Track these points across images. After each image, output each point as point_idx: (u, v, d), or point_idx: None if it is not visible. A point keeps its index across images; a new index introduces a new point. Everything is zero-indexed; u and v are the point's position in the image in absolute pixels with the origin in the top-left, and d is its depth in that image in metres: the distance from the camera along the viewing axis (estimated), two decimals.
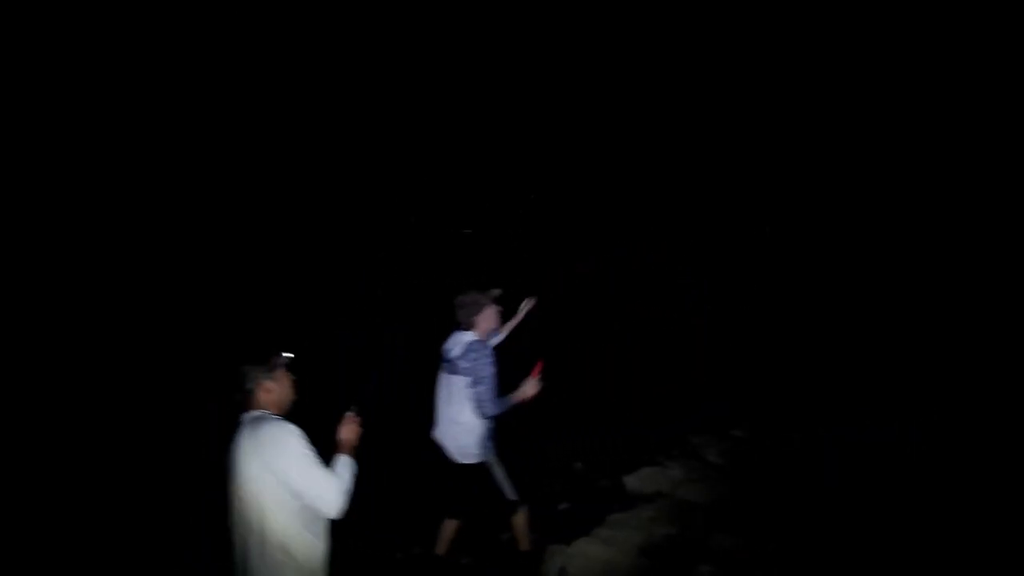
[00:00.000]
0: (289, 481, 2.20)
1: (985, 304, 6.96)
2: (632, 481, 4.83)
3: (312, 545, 2.30)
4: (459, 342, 3.57)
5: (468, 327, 3.60)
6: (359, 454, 2.44)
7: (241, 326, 7.06)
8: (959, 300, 7.12)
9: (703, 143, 9.18)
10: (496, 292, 3.73)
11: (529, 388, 3.42)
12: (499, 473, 3.66)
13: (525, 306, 4.18)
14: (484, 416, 3.48)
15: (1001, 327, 6.46)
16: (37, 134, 7.44)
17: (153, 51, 8.09)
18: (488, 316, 3.64)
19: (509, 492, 3.65)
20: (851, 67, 8.56)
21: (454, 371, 3.54)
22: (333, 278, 8.26)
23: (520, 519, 3.75)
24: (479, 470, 3.61)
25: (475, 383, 3.44)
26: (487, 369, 3.46)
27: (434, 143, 9.27)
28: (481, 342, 3.55)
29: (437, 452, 3.67)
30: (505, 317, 3.97)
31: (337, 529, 2.37)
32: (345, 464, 2.36)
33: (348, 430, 2.48)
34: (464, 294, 3.62)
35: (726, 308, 8.16)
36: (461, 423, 3.52)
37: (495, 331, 3.86)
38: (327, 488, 2.23)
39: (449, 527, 3.85)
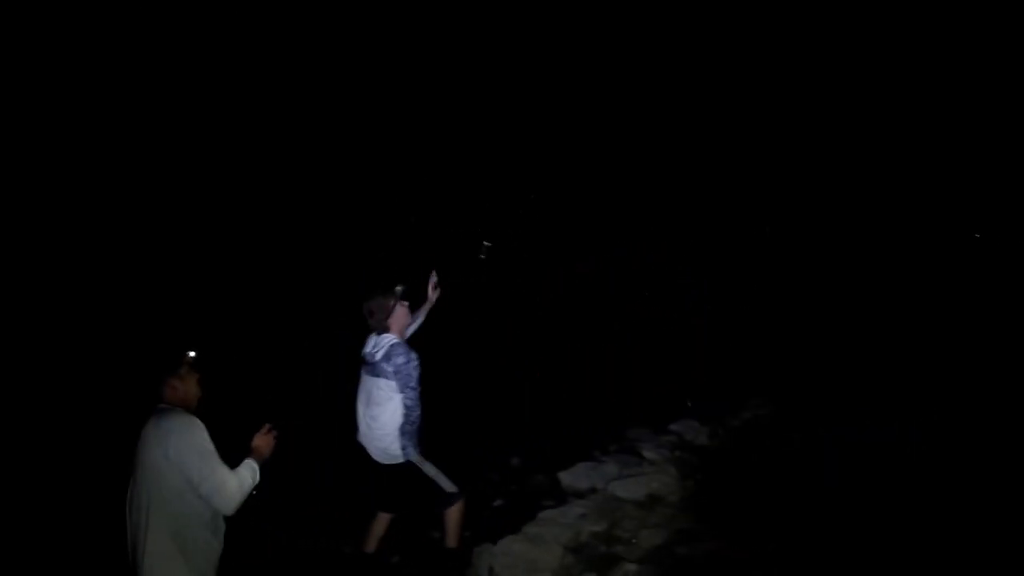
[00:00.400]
0: (187, 472, 2.24)
1: (983, 305, 7.16)
2: (566, 477, 4.80)
3: (205, 541, 2.34)
4: (380, 344, 3.46)
5: (384, 330, 3.51)
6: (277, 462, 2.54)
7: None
8: (956, 301, 7.30)
9: (703, 144, 9.22)
10: (400, 289, 3.60)
11: None
12: (431, 469, 3.57)
13: (432, 286, 4.05)
14: (410, 421, 3.40)
15: (999, 327, 6.65)
16: (36, 133, 7.35)
17: (148, 50, 7.90)
18: (399, 316, 3.54)
19: (446, 484, 3.54)
20: (849, 69, 8.69)
21: (375, 373, 3.43)
22: (331, 277, 8.10)
23: (455, 513, 3.64)
24: (405, 469, 3.52)
25: (402, 388, 3.36)
26: (413, 373, 3.38)
27: (435, 144, 9.15)
28: (401, 344, 3.46)
29: (362, 454, 3.58)
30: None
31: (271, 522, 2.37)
32: (249, 467, 2.39)
33: (262, 439, 2.54)
34: (369, 299, 3.52)
35: (725, 308, 8.22)
36: (380, 424, 3.43)
37: (408, 326, 3.77)
38: (224, 484, 2.26)
39: (378, 525, 3.76)
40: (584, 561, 3.68)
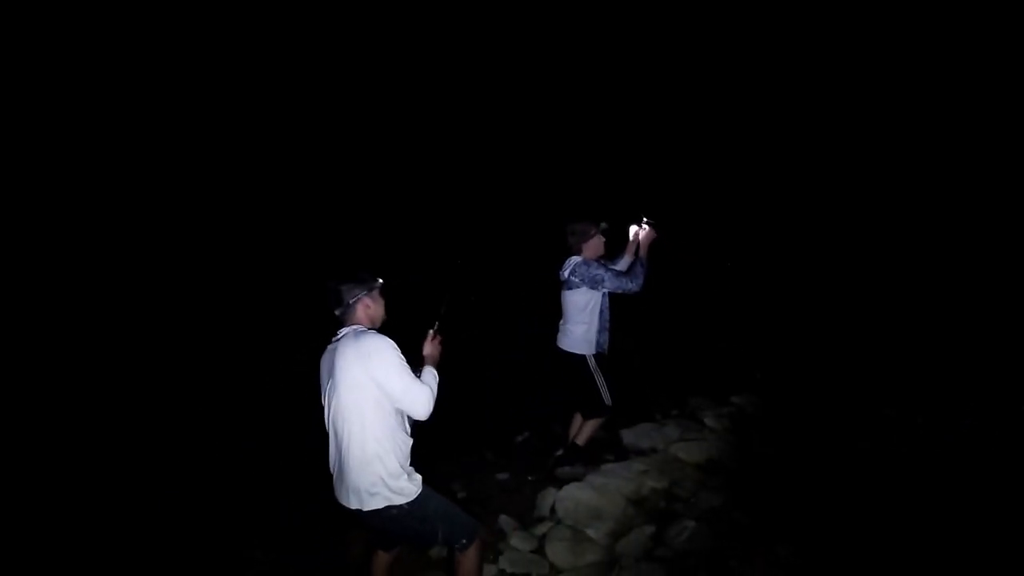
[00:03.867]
0: (388, 387, 2.55)
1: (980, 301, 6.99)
2: (628, 435, 4.98)
3: (403, 439, 2.68)
4: (568, 264, 4.28)
5: (577, 252, 4.30)
6: (441, 367, 2.86)
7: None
8: (961, 292, 7.13)
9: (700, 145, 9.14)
10: (604, 226, 4.34)
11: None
12: (600, 378, 4.34)
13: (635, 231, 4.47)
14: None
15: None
16: (36, 132, 7.53)
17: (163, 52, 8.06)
18: (593, 244, 4.30)
19: (606, 396, 4.34)
20: (843, 70, 8.48)
21: (569, 287, 4.28)
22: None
23: (596, 423, 4.52)
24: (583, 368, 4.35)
25: (595, 286, 4.20)
26: (598, 271, 4.18)
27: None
28: (584, 260, 4.25)
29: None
30: None
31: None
32: (430, 373, 2.77)
33: (431, 346, 2.91)
34: (577, 222, 4.31)
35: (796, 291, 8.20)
36: (569, 330, 4.37)
37: (602, 257, 4.38)
38: (420, 394, 2.59)
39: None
40: (644, 513, 3.88)
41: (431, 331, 2.94)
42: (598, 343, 4.32)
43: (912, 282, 7.80)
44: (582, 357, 4.32)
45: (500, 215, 9.54)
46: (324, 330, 2.79)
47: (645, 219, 4.33)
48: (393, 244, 8.75)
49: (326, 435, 2.72)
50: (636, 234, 4.37)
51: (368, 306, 2.75)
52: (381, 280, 2.82)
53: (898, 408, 5.21)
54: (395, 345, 2.62)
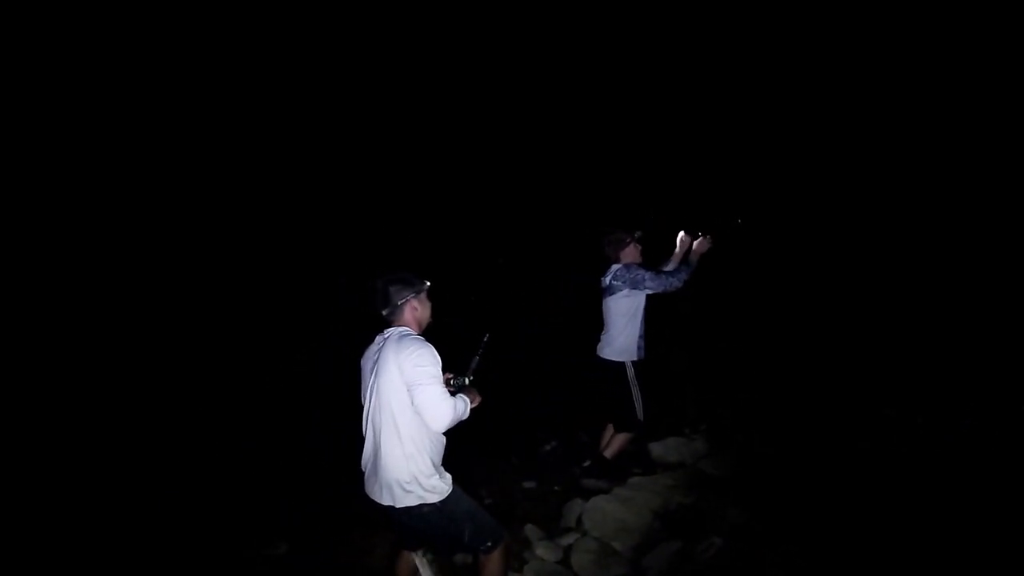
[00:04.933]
0: (414, 391, 2.58)
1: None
2: (657, 448, 4.96)
3: (438, 439, 2.74)
4: (610, 271, 4.41)
5: (616, 260, 4.43)
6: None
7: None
8: (961, 293, 7.01)
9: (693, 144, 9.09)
10: (639, 234, 4.46)
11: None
12: (639, 404, 4.43)
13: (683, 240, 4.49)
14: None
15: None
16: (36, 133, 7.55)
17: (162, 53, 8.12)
18: (629, 251, 4.42)
19: (640, 411, 4.42)
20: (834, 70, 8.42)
21: (610, 293, 4.39)
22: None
23: (626, 437, 4.55)
24: (622, 379, 4.43)
25: (636, 285, 4.28)
26: (639, 273, 4.29)
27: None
28: (624, 265, 4.40)
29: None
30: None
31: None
32: (463, 401, 2.74)
33: (472, 394, 2.86)
34: (612, 232, 4.46)
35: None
36: (612, 338, 4.48)
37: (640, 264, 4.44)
38: (442, 409, 2.58)
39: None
40: (671, 528, 3.86)
41: (466, 381, 2.88)
42: (639, 348, 4.38)
43: (912, 282, 7.68)
44: (622, 365, 4.37)
45: (501, 216, 9.55)
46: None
47: (700, 232, 4.39)
48: (396, 246, 8.78)
49: (356, 433, 2.80)
50: (684, 242, 4.41)
51: (416, 308, 2.80)
52: (429, 283, 2.87)
53: (898, 408, 5.18)
54: (435, 353, 2.66)
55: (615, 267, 4.38)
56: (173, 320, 7.75)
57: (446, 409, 2.58)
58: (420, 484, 2.62)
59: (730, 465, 4.60)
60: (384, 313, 2.79)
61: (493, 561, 2.79)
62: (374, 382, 2.69)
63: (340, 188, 9.25)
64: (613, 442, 4.53)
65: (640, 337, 4.38)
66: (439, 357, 2.66)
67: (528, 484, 4.71)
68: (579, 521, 3.99)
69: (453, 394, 2.71)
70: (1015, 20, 7.21)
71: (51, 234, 7.62)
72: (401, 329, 2.75)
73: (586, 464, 4.61)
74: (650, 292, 4.29)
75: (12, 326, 6.67)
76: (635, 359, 4.38)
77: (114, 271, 7.81)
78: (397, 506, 2.64)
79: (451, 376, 2.85)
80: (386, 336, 2.75)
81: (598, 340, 4.53)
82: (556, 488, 4.61)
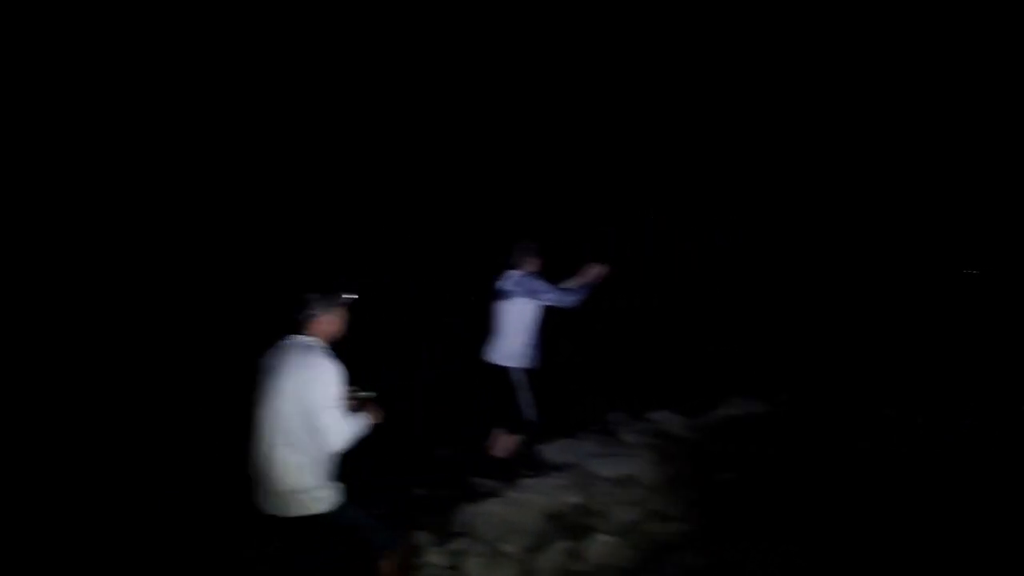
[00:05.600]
0: (315, 410, 2.58)
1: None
2: (546, 450, 5.01)
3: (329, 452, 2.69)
4: (511, 277, 4.46)
5: (519, 267, 4.47)
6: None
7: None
8: (961, 293, 7.33)
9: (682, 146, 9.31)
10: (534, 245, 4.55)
11: None
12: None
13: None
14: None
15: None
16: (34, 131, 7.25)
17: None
18: (532, 261, 4.49)
19: (529, 411, 4.50)
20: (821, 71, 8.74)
21: (508, 298, 4.45)
22: None
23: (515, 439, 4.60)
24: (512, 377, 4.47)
25: (534, 296, 4.39)
26: (536, 283, 4.39)
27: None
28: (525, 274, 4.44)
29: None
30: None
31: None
32: (364, 419, 2.77)
33: (369, 414, 2.86)
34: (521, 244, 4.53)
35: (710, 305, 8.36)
36: (509, 337, 4.49)
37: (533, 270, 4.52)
38: (340, 430, 2.63)
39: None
40: (560, 528, 3.88)
41: (368, 395, 2.91)
42: (529, 357, 4.42)
43: (912, 282, 8.00)
44: (510, 370, 4.39)
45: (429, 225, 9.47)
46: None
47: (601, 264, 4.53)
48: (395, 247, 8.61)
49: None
50: (592, 271, 4.50)
51: (328, 321, 2.81)
52: (349, 297, 2.89)
53: (898, 408, 5.37)
54: (338, 371, 2.67)
55: (516, 273, 4.45)
56: (171, 319, 7.45)
57: (348, 430, 2.64)
58: (310, 494, 2.59)
59: (620, 465, 4.70)
60: (298, 318, 2.79)
61: (386, 570, 2.74)
62: (272, 388, 2.65)
63: (333, 189, 8.93)
64: (503, 444, 4.57)
65: (531, 346, 4.46)
66: (342, 371, 2.66)
67: (419, 491, 4.61)
68: (468, 525, 3.94)
69: (357, 406, 2.75)
70: (1014, 20, 7.48)
71: (37, 234, 7.23)
72: (309, 340, 2.75)
73: (477, 467, 4.59)
74: (546, 304, 4.38)
75: (12, 326, 6.37)
76: (525, 367, 4.45)
77: (111, 270, 7.50)
78: (285, 515, 2.59)
79: (355, 388, 2.83)
80: (292, 343, 2.75)
81: (488, 344, 4.55)
82: (447, 493, 4.54)
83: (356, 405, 2.79)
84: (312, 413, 2.59)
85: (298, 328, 2.79)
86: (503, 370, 4.44)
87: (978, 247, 8.36)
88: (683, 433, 5.65)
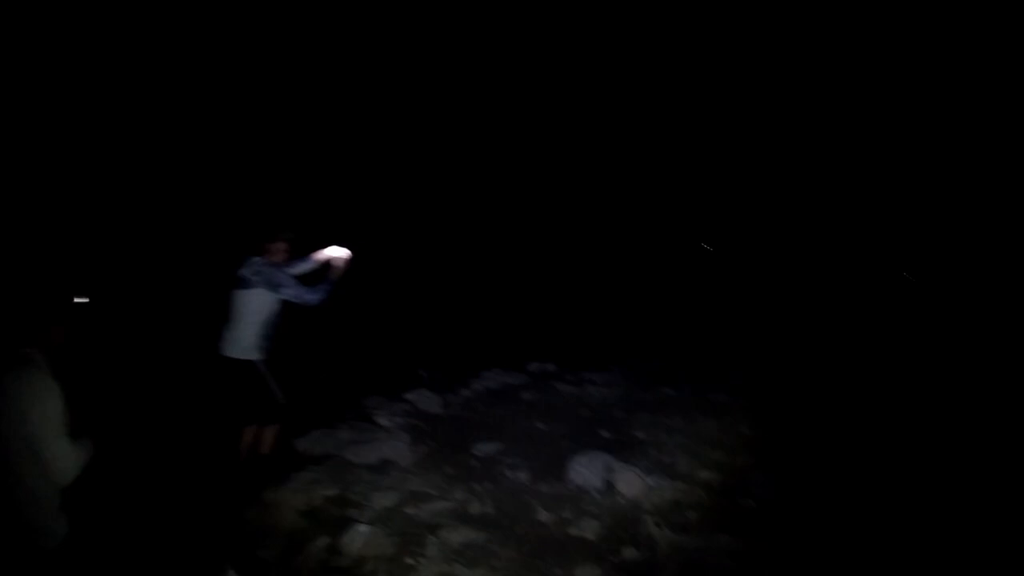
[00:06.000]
0: (37, 438, 2.31)
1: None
2: (302, 443, 4.85)
3: (52, 483, 2.42)
4: (253, 263, 4.14)
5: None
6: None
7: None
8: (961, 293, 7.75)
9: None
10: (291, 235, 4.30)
11: None
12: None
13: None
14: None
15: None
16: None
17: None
18: (277, 250, 4.23)
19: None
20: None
21: (246, 287, 4.12)
22: None
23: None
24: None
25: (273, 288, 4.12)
26: (277, 274, 4.12)
27: None
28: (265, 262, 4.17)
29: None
30: None
31: None
32: (87, 444, 2.48)
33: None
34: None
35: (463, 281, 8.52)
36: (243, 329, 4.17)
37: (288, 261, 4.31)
38: (68, 459, 2.36)
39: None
40: (317, 525, 3.80)
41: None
42: (263, 348, 4.22)
43: (912, 283, 8.37)
44: (251, 362, 4.15)
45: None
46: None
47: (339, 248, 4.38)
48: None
49: None
50: (333, 255, 4.35)
51: (60, 332, 2.53)
52: (75, 302, 2.64)
53: (897, 408, 5.48)
54: (59, 394, 2.39)
55: (257, 260, 4.18)
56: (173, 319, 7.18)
57: (75, 462, 2.40)
58: (34, 529, 2.37)
59: (376, 449, 4.71)
60: (23, 327, 2.45)
61: None
62: None
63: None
64: (264, 437, 4.33)
65: (266, 337, 4.24)
66: (60, 390, 2.40)
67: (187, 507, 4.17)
68: (226, 537, 3.68)
69: (79, 430, 2.46)
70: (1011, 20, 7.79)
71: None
72: (27, 356, 2.40)
73: (239, 470, 4.27)
74: (284, 298, 4.17)
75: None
76: (261, 358, 4.22)
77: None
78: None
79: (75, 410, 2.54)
80: (16, 354, 2.39)
81: (222, 336, 4.23)
82: (211, 504, 4.16)
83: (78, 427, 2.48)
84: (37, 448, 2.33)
85: (24, 335, 2.45)
86: (244, 364, 4.16)
87: (978, 247, 8.80)
88: (440, 411, 5.83)
